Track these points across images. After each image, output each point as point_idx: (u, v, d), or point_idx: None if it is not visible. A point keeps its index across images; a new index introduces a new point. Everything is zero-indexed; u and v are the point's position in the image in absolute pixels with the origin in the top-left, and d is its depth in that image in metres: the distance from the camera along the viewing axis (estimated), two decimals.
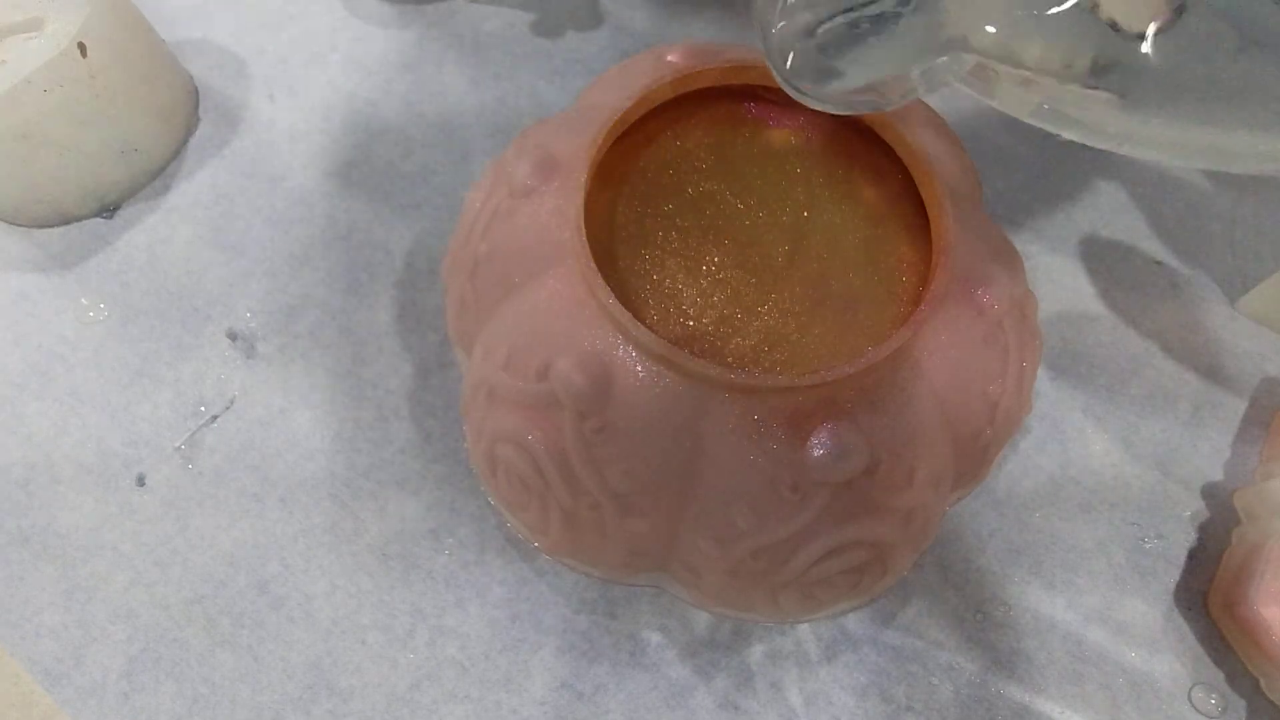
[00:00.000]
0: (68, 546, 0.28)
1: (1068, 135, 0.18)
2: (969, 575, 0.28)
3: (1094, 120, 0.17)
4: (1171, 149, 0.17)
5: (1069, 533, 0.29)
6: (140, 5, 0.34)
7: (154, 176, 0.34)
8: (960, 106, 0.37)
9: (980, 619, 0.28)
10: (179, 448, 0.30)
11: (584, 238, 0.21)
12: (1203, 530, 0.29)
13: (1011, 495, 0.29)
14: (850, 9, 0.18)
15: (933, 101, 0.27)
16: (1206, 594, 0.28)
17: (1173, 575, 0.28)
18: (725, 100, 0.25)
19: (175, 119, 0.35)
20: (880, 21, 0.18)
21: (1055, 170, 0.36)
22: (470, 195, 0.26)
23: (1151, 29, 0.16)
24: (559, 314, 0.21)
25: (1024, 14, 0.17)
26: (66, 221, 0.33)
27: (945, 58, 0.18)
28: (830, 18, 0.18)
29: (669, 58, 0.25)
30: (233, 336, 0.31)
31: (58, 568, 0.28)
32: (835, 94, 0.20)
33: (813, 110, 0.25)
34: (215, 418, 0.30)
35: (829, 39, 0.19)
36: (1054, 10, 0.16)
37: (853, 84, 0.19)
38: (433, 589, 0.28)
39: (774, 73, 0.20)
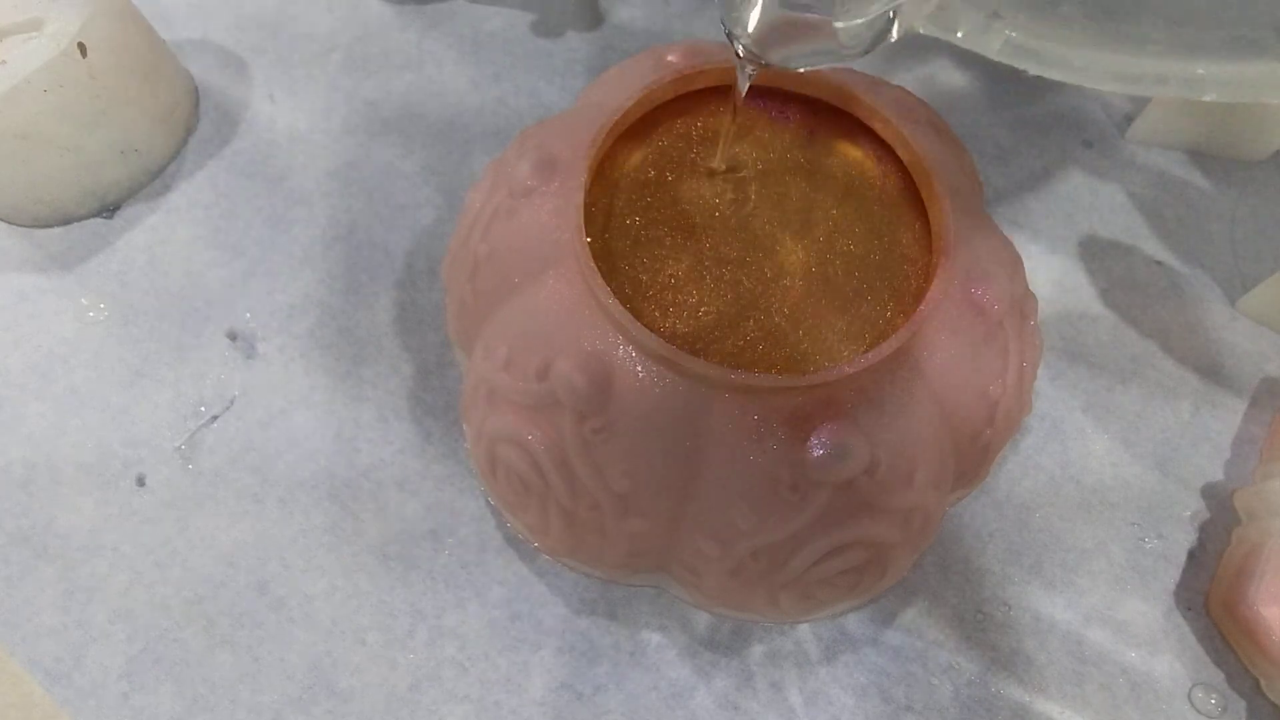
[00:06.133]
0: (68, 547, 0.28)
1: (1034, 70, 0.18)
2: (969, 575, 0.28)
3: (1061, 54, 0.17)
4: (1135, 79, 0.17)
5: (1069, 533, 0.29)
6: (140, 5, 0.34)
7: (154, 176, 0.34)
8: (961, 106, 0.37)
9: (980, 619, 0.28)
10: (179, 448, 0.30)
11: (584, 238, 0.21)
12: (1203, 530, 0.29)
13: (1011, 495, 0.29)
14: None
15: (933, 101, 0.27)
16: (1206, 594, 0.28)
17: (1173, 575, 0.28)
18: (725, 100, 0.25)
19: (175, 119, 0.34)
20: None
21: (1055, 170, 0.36)
22: (470, 195, 0.26)
23: None
24: (559, 314, 0.21)
25: None
26: (66, 221, 0.33)
27: None
28: None
29: (669, 58, 0.25)
30: (233, 336, 0.31)
31: (58, 568, 0.28)
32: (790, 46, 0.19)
33: (812, 110, 0.25)
34: (215, 418, 0.30)
35: None
36: None
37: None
38: (433, 589, 0.28)
39: (731, 26, 0.20)
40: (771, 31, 0.19)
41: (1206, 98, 0.17)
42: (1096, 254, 0.34)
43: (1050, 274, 0.34)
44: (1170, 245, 0.34)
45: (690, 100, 0.24)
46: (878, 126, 0.24)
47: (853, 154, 0.24)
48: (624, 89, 0.23)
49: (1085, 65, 0.17)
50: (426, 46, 0.38)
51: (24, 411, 0.30)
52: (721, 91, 0.25)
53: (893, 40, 0.19)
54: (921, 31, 0.18)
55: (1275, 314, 0.32)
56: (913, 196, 0.24)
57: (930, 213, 0.23)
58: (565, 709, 0.26)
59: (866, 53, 0.19)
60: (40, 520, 0.28)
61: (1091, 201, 0.35)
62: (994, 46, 0.18)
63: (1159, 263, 0.34)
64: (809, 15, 0.18)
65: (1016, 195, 0.35)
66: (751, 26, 0.19)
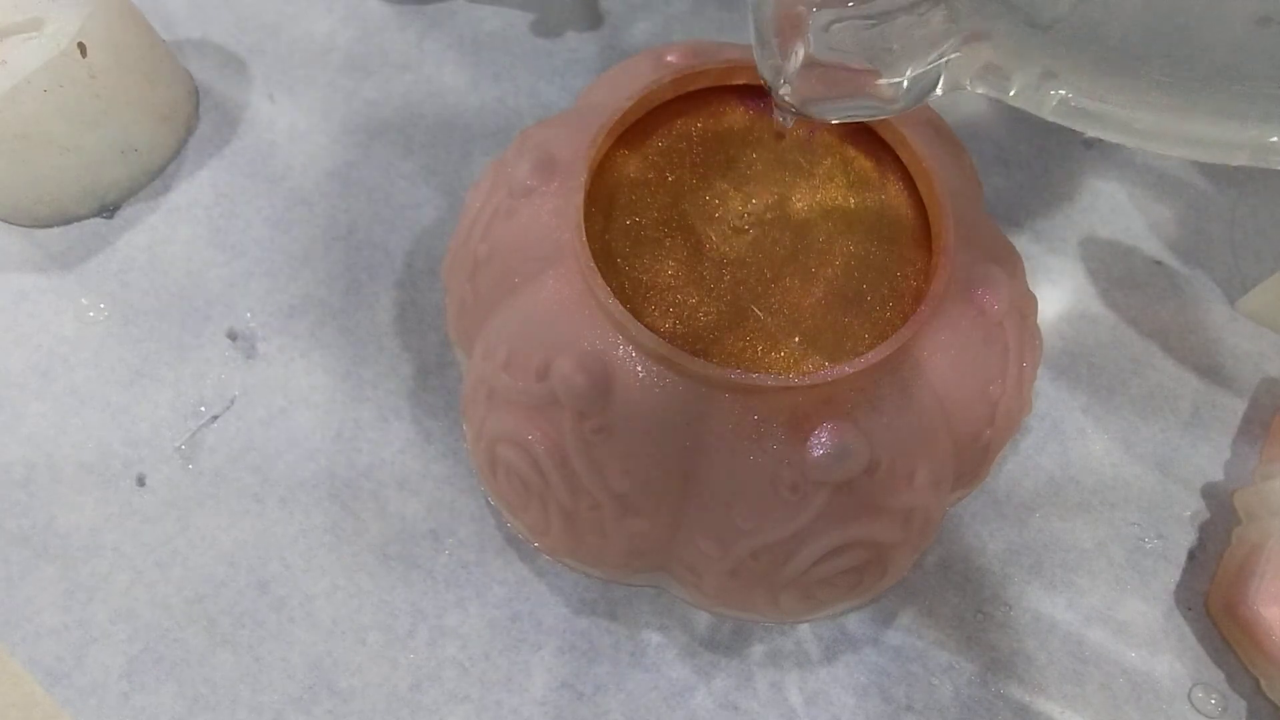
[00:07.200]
0: (68, 546, 0.28)
1: (1093, 133, 0.17)
2: (969, 575, 0.28)
3: (1122, 117, 0.16)
4: (1204, 145, 0.16)
5: (1069, 533, 0.29)
6: (140, 5, 0.34)
7: (154, 176, 0.34)
8: (960, 107, 0.37)
9: (980, 619, 0.28)
10: (179, 448, 0.30)
11: (584, 238, 0.21)
12: (1203, 530, 0.29)
13: (1011, 495, 0.29)
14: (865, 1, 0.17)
15: (932, 101, 0.27)
16: (1206, 594, 0.28)
17: (1173, 575, 0.28)
18: (725, 100, 0.25)
19: (175, 119, 0.34)
20: (890, 16, 0.17)
21: (1055, 170, 0.36)
22: (470, 195, 0.26)
23: None
24: (559, 314, 0.21)
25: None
26: (66, 221, 0.33)
27: (959, 53, 0.17)
28: (842, 18, 0.18)
29: (669, 58, 0.25)
30: (233, 336, 0.31)
31: (58, 568, 0.28)
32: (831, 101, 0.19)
33: None
34: (215, 418, 0.30)
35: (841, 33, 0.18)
36: None
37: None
38: (433, 589, 0.28)
39: (770, 77, 0.20)
40: (812, 85, 0.19)
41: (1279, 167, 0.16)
42: (1096, 254, 0.34)
43: (1050, 274, 0.34)
44: (1170, 245, 0.34)
45: (690, 100, 0.24)
46: (877, 127, 0.24)
47: (852, 154, 0.24)
48: (624, 89, 0.23)
49: (1147, 129, 0.16)
50: (426, 46, 0.38)
51: (24, 411, 0.30)
52: (721, 92, 0.25)
53: (938, 95, 0.18)
54: (969, 89, 0.18)
55: (1275, 314, 0.32)
56: (913, 197, 0.24)
57: (930, 213, 0.23)
58: (566, 708, 0.26)
59: (909, 108, 0.19)
60: (40, 520, 0.28)
61: (1091, 201, 0.35)
62: (1048, 107, 0.17)
63: (1159, 263, 0.34)
64: (852, 68, 0.18)
65: (1016, 195, 0.35)
66: (791, 79, 0.19)
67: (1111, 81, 0.16)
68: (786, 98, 0.19)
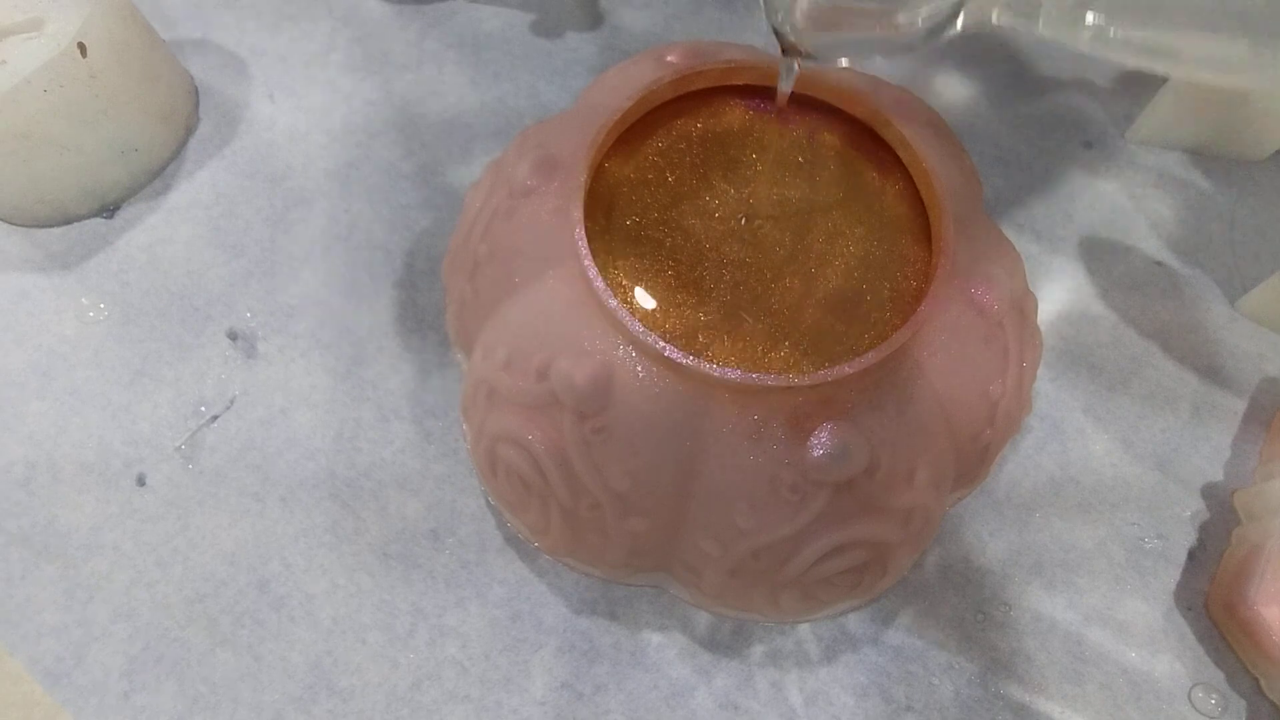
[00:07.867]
0: (68, 546, 0.28)
1: (1133, 63, 0.16)
2: (969, 575, 0.28)
3: (1165, 43, 0.15)
4: (1255, 69, 0.15)
5: (1069, 533, 0.29)
6: (140, 5, 0.34)
7: (154, 176, 0.34)
8: (960, 106, 0.37)
9: (980, 619, 0.28)
10: (179, 448, 0.30)
11: (584, 238, 0.21)
12: (1203, 530, 0.29)
13: (1011, 495, 0.29)
14: None
15: (933, 101, 0.27)
16: (1206, 594, 0.28)
17: (1173, 575, 0.28)
18: (725, 100, 0.25)
19: (175, 119, 0.35)
20: None
21: (1055, 170, 0.36)
22: (470, 195, 0.26)
23: None
24: (559, 314, 0.21)
25: None
26: (67, 221, 0.33)
27: None
28: None
29: (669, 58, 0.25)
30: (233, 336, 0.31)
31: (58, 567, 0.28)
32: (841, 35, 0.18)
33: (812, 111, 0.25)
34: (215, 418, 0.30)
35: None
36: None
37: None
38: (433, 589, 0.28)
39: (778, 23, 0.19)
40: (822, 27, 0.18)
41: None
42: (1096, 254, 0.34)
43: (1050, 274, 0.34)
44: (1170, 245, 0.34)
45: (690, 100, 0.24)
46: (878, 127, 0.24)
47: (853, 155, 0.24)
48: (624, 89, 0.24)
49: (1194, 56, 0.15)
50: (426, 46, 0.38)
51: (25, 410, 0.30)
52: (721, 92, 0.25)
53: (956, 31, 0.17)
54: (995, 22, 0.17)
55: (1275, 314, 0.32)
56: (913, 197, 0.24)
57: (930, 213, 0.23)
58: (566, 708, 0.26)
59: (920, 46, 0.18)
60: (41, 519, 0.28)
61: (1091, 201, 0.35)
62: (1082, 38, 0.16)
63: (1159, 263, 0.34)
64: (863, 9, 0.18)
65: (1016, 195, 0.35)
66: (800, 23, 0.18)
67: (1150, 7, 0.15)
68: (794, 40, 0.19)
